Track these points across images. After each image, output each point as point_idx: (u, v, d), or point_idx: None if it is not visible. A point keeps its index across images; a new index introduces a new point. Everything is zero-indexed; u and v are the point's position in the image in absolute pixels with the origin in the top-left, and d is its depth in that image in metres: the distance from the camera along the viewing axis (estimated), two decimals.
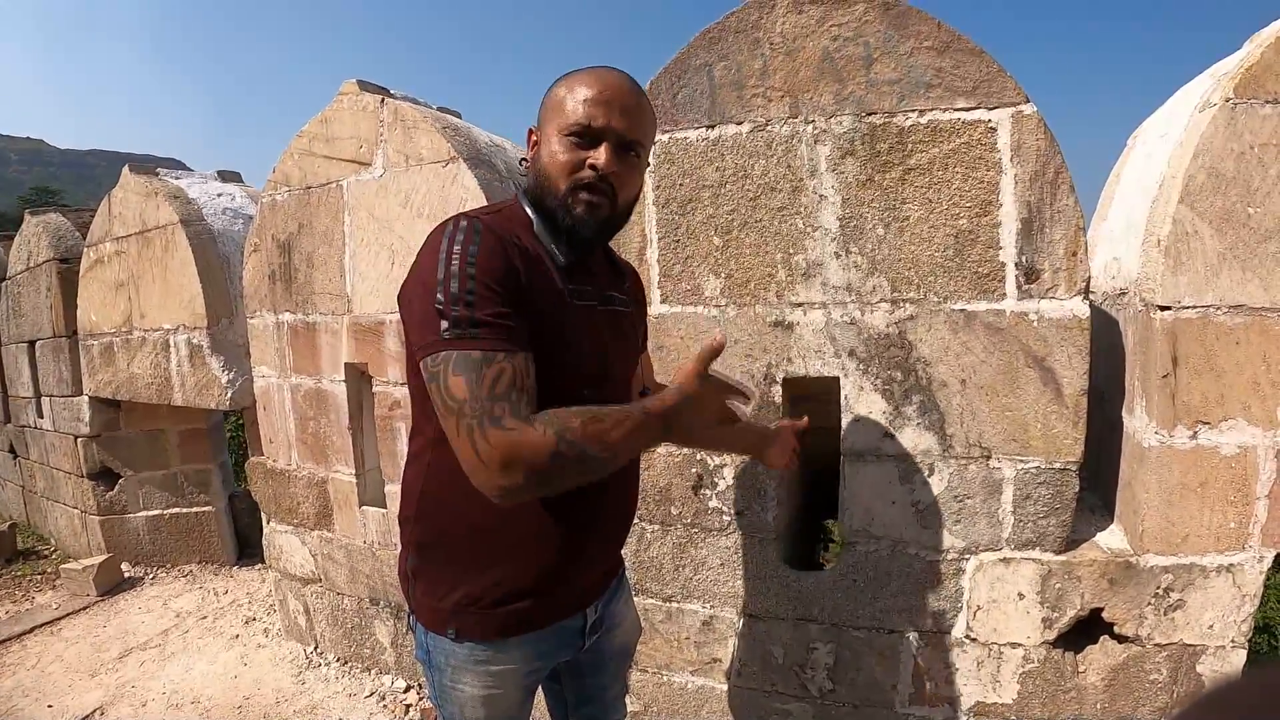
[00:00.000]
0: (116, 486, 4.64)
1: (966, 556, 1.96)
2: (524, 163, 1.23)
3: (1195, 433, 1.78)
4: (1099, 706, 2.03)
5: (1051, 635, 1.99)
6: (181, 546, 4.63)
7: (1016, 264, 1.83)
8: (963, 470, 1.91)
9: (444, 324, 1.00)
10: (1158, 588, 1.88)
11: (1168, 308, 1.75)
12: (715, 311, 1.99)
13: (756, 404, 1.97)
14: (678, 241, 2.00)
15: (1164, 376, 1.78)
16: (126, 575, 4.46)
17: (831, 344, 1.92)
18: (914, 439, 1.91)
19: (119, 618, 3.89)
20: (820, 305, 1.92)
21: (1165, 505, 1.82)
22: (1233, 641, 1.89)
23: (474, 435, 0.97)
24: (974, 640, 2.01)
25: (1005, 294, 1.84)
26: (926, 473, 1.92)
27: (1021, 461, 1.89)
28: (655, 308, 2.03)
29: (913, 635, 2.02)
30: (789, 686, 2.12)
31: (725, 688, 2.18)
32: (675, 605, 2.15)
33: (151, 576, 4.46)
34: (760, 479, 2.02)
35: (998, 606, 1.99)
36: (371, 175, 2.72)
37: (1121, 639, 1.98)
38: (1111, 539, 2.00)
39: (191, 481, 4.61)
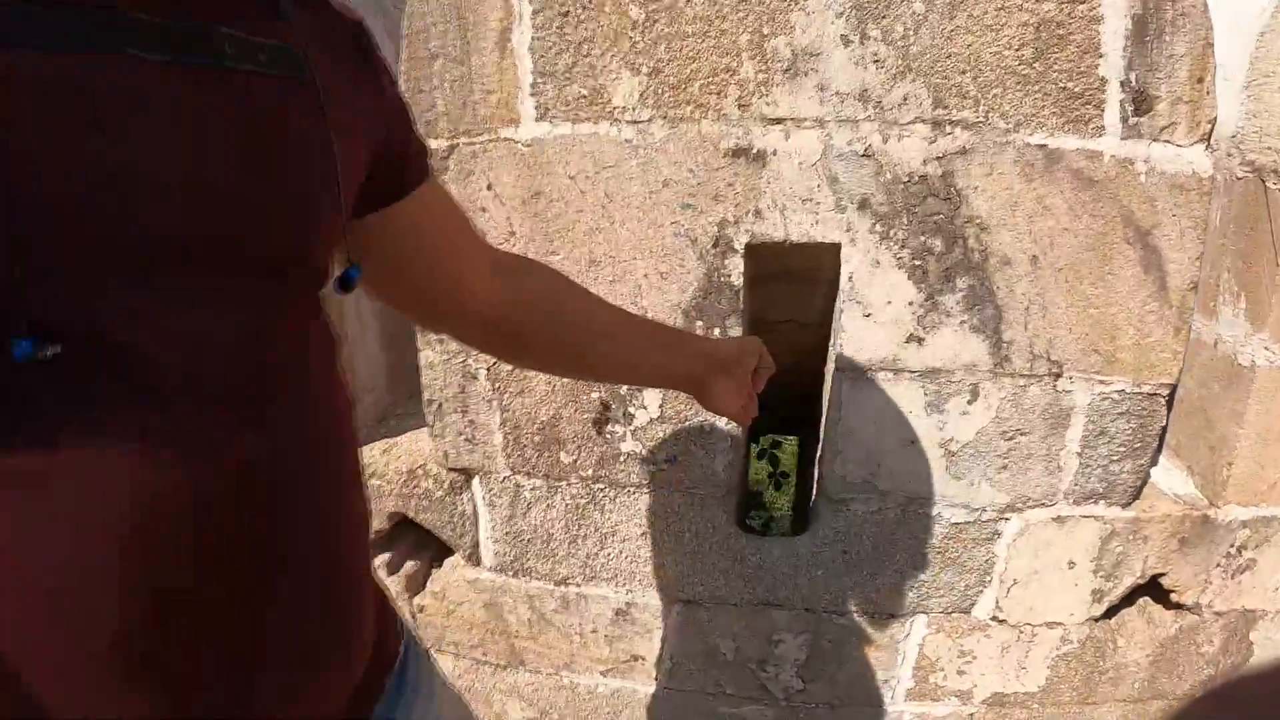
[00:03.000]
0: None
1: (1007, 516, 1.30)
2: None
3: None
4: (1136, 686, 1.51)
5: (1100, 610, 1.40)
6: None
7: (1124, 83, 1.06)
8: (1020, 394, 1.21)
9: None
10: (1232, 546, 1.36)
11: None
12: (632, 132, 1.14)
13: (696, 293, 1.18)
14: (566, 14, 1.12)
15: None
16: None
17: (831, 188, 1.12)
18: (954, 345, 1.18)
19: None
20: (814, 123, 1.10)
21: (1259, 443, 1.27)
22: None
23: None
24: (1002, 622, 1.40)
25: (1104, 128, 1.08)
26: (968, 397, 1.21)
27: (1102, 382, 1.20)
28: (527, 128, 1.17)
29: (919, 620, 1.40)
30: (743, 687, 1.49)
31: (651, 691, 1.52)
32: (574, 590, 1.43)
33: None
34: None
35: (1039, 579, 1.36)
36: None
37: (1176, 607, 1.44)
38: (1177, 484, 1.41)
39: None
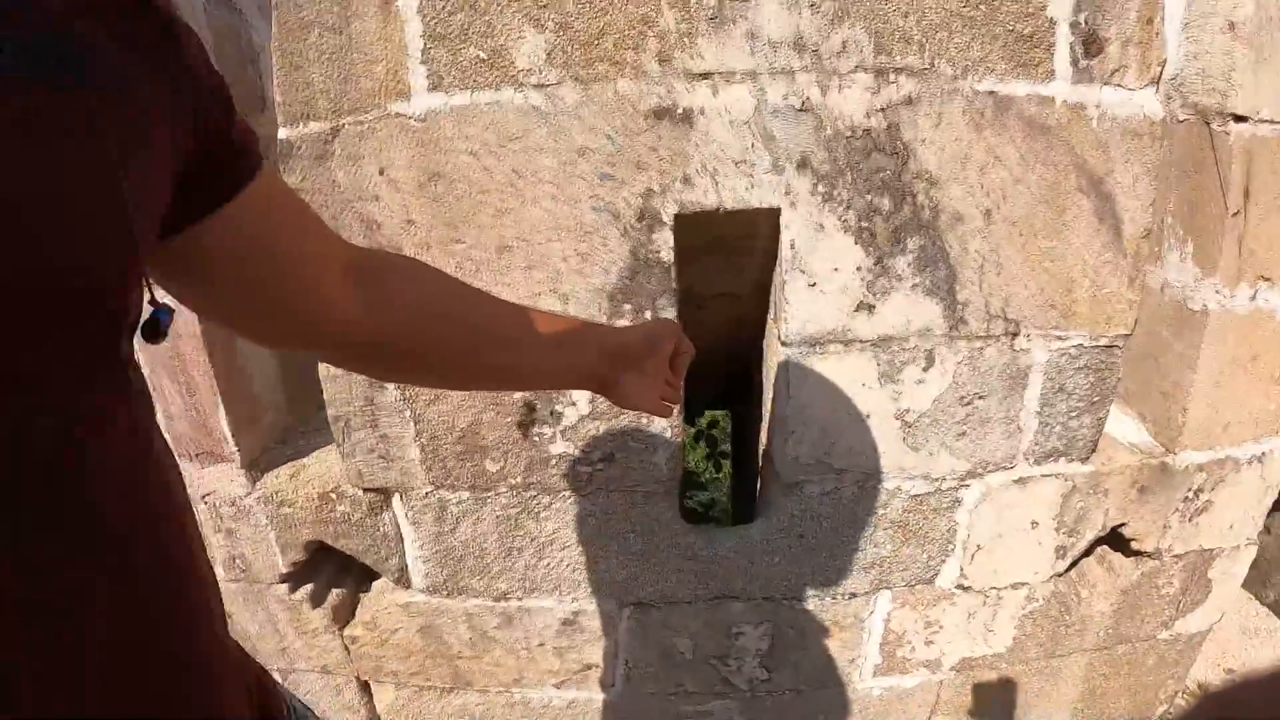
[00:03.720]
0: None
1: (967, 483, 1.23)
2: None
3: (1255, 292, 1.18)
4: (1100, 635, 1.50)
5: (1063, 566, 1.38)
6: None
7: (1073, 25, 0.99)
8: (977, 356, 1.13)
9: None
10: (1189, 490, 1.35)
11: (1244, 119, 1.09)
12: (539, 97, 0.99)
13: (622, 273, 1.05)
14: None
15: (1234, 214, 1.12)
16: None
17: (766, 148, 1.00)
18: (907, 311, 1.09)
19: None
20: (745, 77, 0.97)
21: (1213, 386, 1.24)
22: (1248, 539, 1.47)
23: None
24: (967, 589, 1.35)
25: (1055, 72, 1.00)
26: (923, 364, 1.12)
27: (1059, 338, 1.14)
28: (420, 100, 1.01)
29: (884, 596, 1.33)
30: (704, 684, 1.40)
31: (606, 698, 1.43)
32: (515, 604, 1.31)
33: None
34: None
35: (1002, 542, 1.31)
36: None
37: (1136, 554, 1.43)
38: (1129, 432, 1.38)
39: None
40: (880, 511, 1.22)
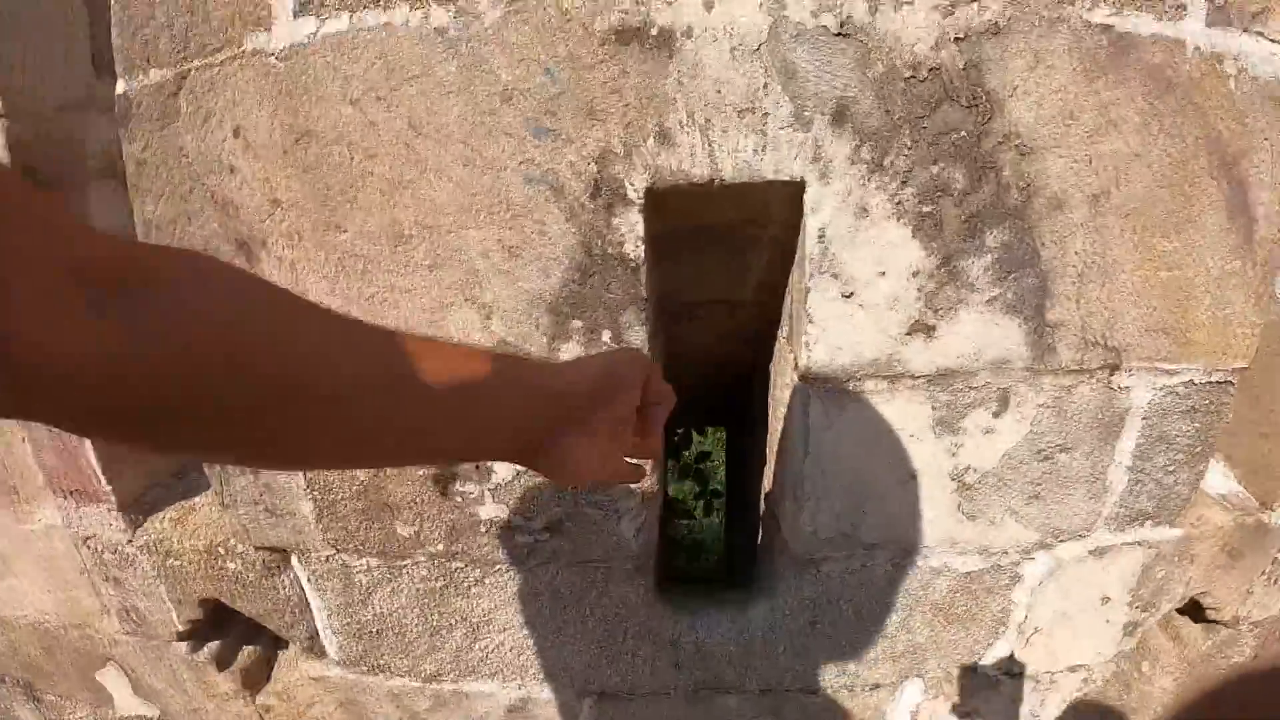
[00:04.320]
0: None
1: (1032, 555, 0.86)
2: None
3: None
4: (1158, 710, 1.14)
5: (1131, 644, 1.04)
6: None
7: None
8: (1065, 398, 0.75)
9: None
10: (1277, 552, 1.02)
11: None
12: (444, 15, 0.61)
13: (567, 274, 0.67)
14: None
15: None
16: None
17: (786, 89, 0.62)
18: (979, 334, 0.71)
19: None
20: None
21: None
22: None
23: None
24: (1016, 675, 0.99)
25: (1186, 7, 0.63)
26: (995, 408, 0.74)
27: (1168, 372, 0.76)
28: (284, 29, 0.63)
29: (913, 685, 0.97)
30: None
31: None
32: (449, 686, 0.95)
33: None
34: None
35: (1066, 621, 0.95)
36: None
37: (1209, 622, 1.09)
38: (1215, 480, 1.04)
39: None
40: (919, 594, 0.86)
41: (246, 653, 1.16)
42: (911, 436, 0.75)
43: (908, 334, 0.70)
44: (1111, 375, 0.77)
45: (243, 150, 0.69)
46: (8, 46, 0.85)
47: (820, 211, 0.66)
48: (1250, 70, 0.68)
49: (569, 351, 0.71)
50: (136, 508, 1.06)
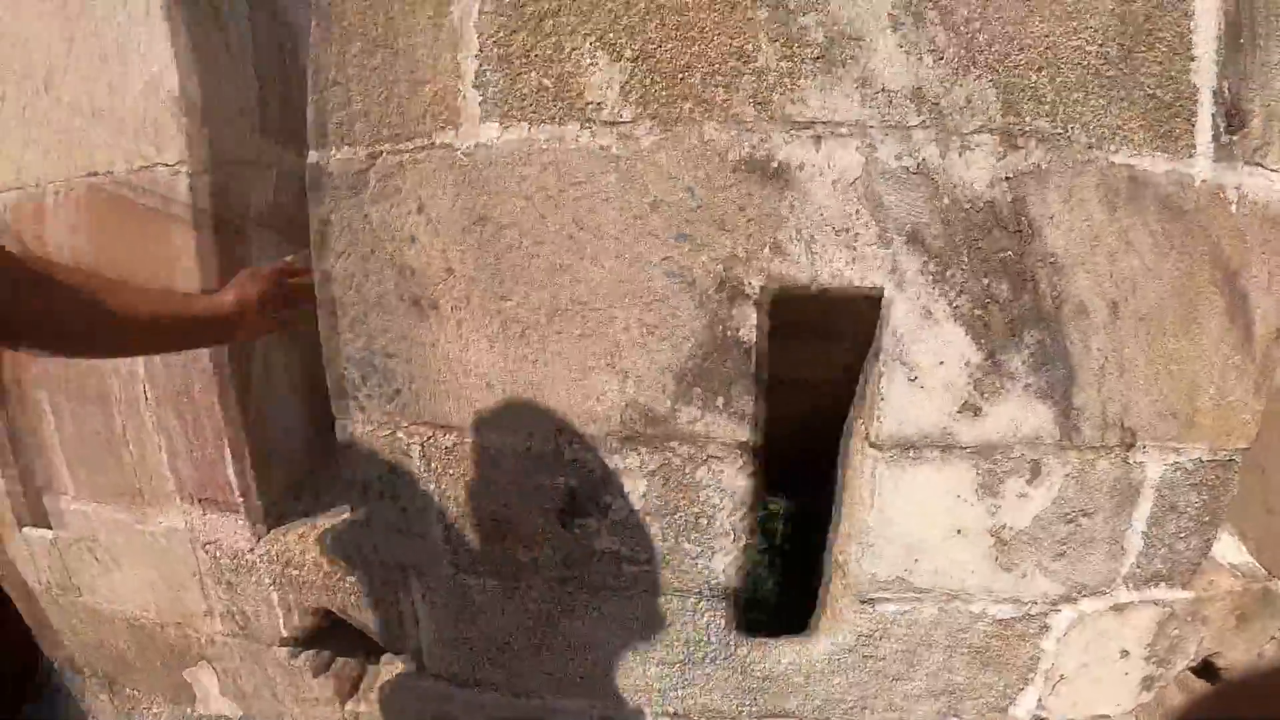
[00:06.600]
0: None
1: (1059, 608, 0.98)
2: None
3: None
4: None
5: (1148, 698, 1.12)
6: None
7: (1215, 93, 0.78)
8: (1088, 470, 0.88)
9: None
10: None
11: None
12: (610, 137, 0.78)
13: (694, 351, 0.82)
14: None
15: None
16: None
17: (874, 216, 0.78)
18: (1017, 414, 0.85)
19: None
20: (854, 130, 0.75)
21: None
22: None
23: None
24: None
25: (1195, 147, 0.79)
26: (1028, 476, 0.88)
27: (1175, 451, 0.90)
28: (471, 130, 0.80)
29: None
30: None
31: None
32: (537, 703, 1.06)
33: None
34: (703, 489, 0.89)
35: (1088, 672, 1.05)
36: None
37: (1218, 679, 1.18)
38: (1227, 551, 1.16)
39: None
40: (960, 636, 0.97)
41: (340, 663, 1.26)
42: (958, 498, 0.88)
43: (959, 412, 0.84)
44: (1128, 452, 0.91)
45: (425, 225, 0.85)
46: (210, 99, 0.98)
47: (895, 313, 0.80)
48: (1250, 196, 0.83)
49: (687, 414, 0.85)
50: (262, 520, 1.19)
